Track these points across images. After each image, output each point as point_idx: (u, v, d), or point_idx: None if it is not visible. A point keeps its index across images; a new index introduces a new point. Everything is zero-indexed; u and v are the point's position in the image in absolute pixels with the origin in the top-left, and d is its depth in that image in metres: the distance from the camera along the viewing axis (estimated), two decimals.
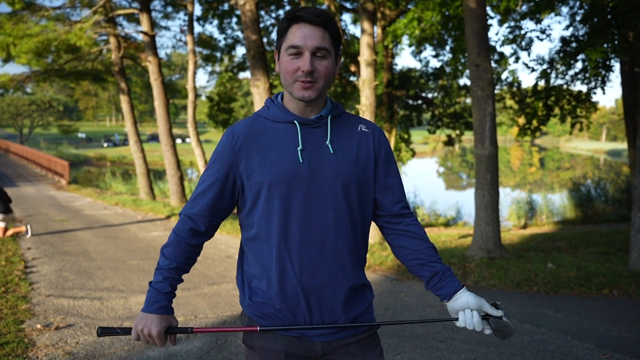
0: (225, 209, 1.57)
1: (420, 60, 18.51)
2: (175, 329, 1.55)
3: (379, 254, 7.26)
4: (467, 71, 9.50)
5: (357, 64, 12.85)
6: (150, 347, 3.84)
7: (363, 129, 1.61)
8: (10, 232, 8.47)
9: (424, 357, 3.73)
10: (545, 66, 11.83)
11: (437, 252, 1.63)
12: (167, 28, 27.79)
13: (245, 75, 29.33)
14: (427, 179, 31.42)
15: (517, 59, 12.52)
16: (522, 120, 12.52)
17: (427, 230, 12.17)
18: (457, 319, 1.55)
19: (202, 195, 1.54)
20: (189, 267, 1.59)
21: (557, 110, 11.88)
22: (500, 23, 11.67)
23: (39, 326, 4.22)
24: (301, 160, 1.49)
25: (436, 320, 1.59)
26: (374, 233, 8.38)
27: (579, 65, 11.71)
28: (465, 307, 1.54)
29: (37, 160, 25.95)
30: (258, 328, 1.51)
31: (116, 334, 1.54)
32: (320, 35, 1.46)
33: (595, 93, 11.49)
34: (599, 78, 11.09)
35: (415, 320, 1.60)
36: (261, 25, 13.50)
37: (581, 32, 11.06)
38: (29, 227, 8.72)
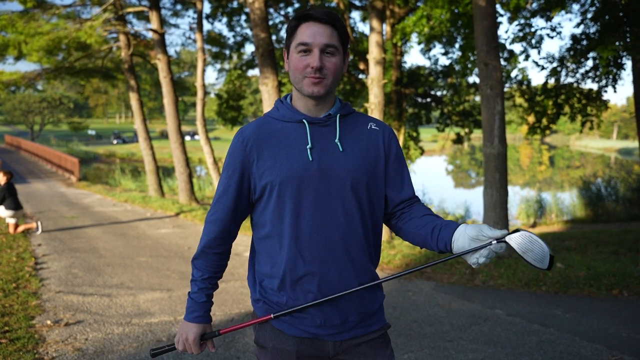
0: (244, 209, 1.60)
1: (429, 58, 18.43)
2: (206, 334, 1.62)
3: (387, 252, 7.25)
4: (477, 69, 9.44)
5: (366, 62, 12.81)
6: (158, 344, 3.87)
7: (373, 126, 1.62)
8: (20, 228, 8.57)
9: (432, 356, 3.73)
10: (555, 64, 11.72)
11: (440, 217, 1.58)
12: (176, 26, 27.87)
13: (254, 72, 29.48)
14: (436, 177, 31.28)
15: (527, 57, 12.41)
16: (531, 119, 12.42)
17: None
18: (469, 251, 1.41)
19: (221, 199, 1.58)
20: (222, 273, 1.65)
21: (567, 109, 11.77)
22: (510, 21, 11.60)
23: (49, 322, 4.26)
24: (311, 159, 1.49)
25: (453, 257, 1.45)
26: (382, 231, 8.35)
27: (589, 63, 11.58)
28: (469, 240, 1.41)
29: (47, 157, 26.20)
30: (272, 315, 1.54)
31: (165, 350, 1.63)
32: (329, 33, 1.48)
33: (606, 91, 11.36)
34: (610, 76, 10.97)
35: (427, 264, 1.52)
36: (270, 23, 13.53)
37: (592, 30, 10.94)
38: (39, 223, 8.81)
